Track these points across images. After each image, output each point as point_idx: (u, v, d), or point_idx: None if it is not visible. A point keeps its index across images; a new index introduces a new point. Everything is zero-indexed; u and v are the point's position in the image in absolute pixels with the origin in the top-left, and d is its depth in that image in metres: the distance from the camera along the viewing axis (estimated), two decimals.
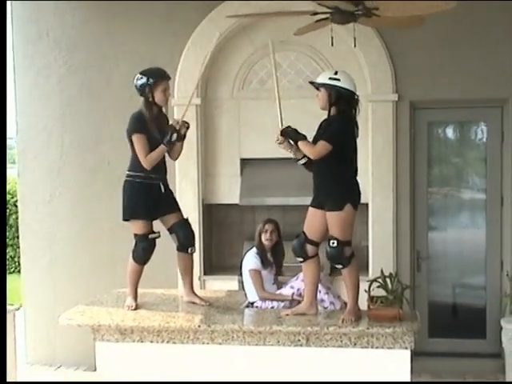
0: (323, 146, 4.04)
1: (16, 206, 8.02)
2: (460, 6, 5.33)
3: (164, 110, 4.55)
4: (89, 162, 6.64)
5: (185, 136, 4.48)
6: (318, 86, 4.19)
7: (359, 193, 4.20)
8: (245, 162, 6.54)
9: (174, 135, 4.36)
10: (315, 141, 4.14)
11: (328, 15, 4.42)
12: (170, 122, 4.45)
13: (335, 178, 4.09)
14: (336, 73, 4.15)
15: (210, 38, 6.24)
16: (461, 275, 6.70)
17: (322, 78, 4.18)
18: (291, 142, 4.20)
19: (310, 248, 4.20)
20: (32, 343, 6.82)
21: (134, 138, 4.40)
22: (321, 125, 4.22)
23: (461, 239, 6.69)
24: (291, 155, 4.27)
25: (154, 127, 4.41)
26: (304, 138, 4.15)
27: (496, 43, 6.10)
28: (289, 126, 4.21)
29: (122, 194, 4.52)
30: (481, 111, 6.50)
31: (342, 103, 4.12)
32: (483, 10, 6.04)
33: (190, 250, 4.60)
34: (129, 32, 6.51)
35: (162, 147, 4.38)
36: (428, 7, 4.20)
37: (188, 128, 4.48)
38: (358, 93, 4.21)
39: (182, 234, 4.55)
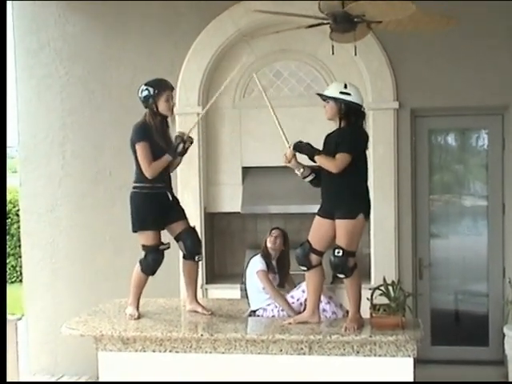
0: (344, 158, 4.02)
1: (18, 216, 8.05)
2: (460, 14, 5.40)
3: (170, 119, 4.57)
4: (90, 171, 6.65)
5: (186, 151, 4.50)
6: (326, 99, 4.19)
7: (370, 204, 4.21)
8: (246, 171, 6.55)
9: (181, 145, 4.39)
10: (330, 145, 4.13)
11: (329, 24, 4.44)
12: (177, 133, 4.47)
13: (349, 188, 4.08)
14: (346, 86, 4.15)
15: (211, 48, 6.33)
16: (463, 282, 6.69)
17: (332, 92, 4.17)
18: (299, 161, 4.20)
19: (314, 257, 4.21)
20: (34, 353, 6.81)
21: (138, 146, 4.41)
22: (326, 138, 4.21)
23: (463, 246, 6.69)
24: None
25: (158, 137, 4.43)
26: (319, 151, 4.13)
27: (496, 50, 6.10)
28: (300, 141, 4.19)
29: (129, 205, 4.52)
30: (482, 118, 6.51)
31: (352, 116, 4.13)
32: (483, 17, 6.06)
33: (197, 258, 4.62)
34: (130, 42, 6.53)
35: (166, 157, 4.40)
36: (429, 27, 4.28)
37: (192, 143, 4.51)
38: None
39: (190, 241, 4.56)
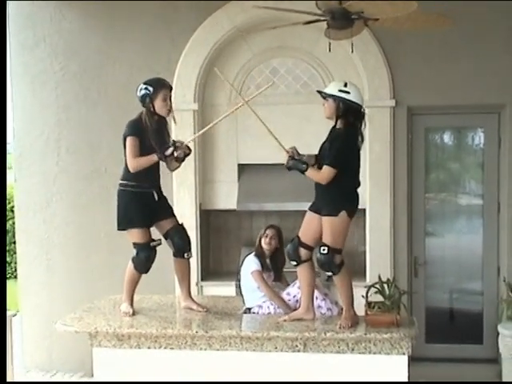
0: (329, 172, 4.06)
1: (12, 212, 8.01)
2: (457, 13, 5.40)
3: (169, 120, 4.53)
4: (85, 168, 6.63)
5: (184, 159, 4.44)
6: (325, 96, 4.19)
7: (357, 203, 4.22)
8: (242, 168, 6.55)
9: (170, 149, 4.32)
10: (324, 151, 4.16)
11: (327, 20, 4.44)
12: (174, 139, 4.40)
13: (337, 186, 4.10)
14: (346, 84, 4.14)
15: (208, 45, 6.32)
16: (458, 281, 6.71)
17: (331, 89, 4.17)
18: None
19: (303, 252, 4.22)
20: (29, 349, 6.80)
21: (127, 140, 4.38)
22: (331, 131, 4.24)
23: (458, 245, 6.70)
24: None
25: (152, 136, 4.38)
26: (305, 167, 4.14)
27: (493, 49, 6.11)
28: (292, 157, 4.17)
29: (116, 203, 4.50)
30: (478, 117, 6.51)
31: (350, 116, 4.13)
32: (480, 16, 6.06)
33: (186, 254, 4.59)
34: (126, 38, 6.51)
35: (152, 156, 4.33)
36: (425, 26, 4.31)
37: (188, 154, 4.43)
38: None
39: (178, 239, 4.55)
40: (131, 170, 4.37)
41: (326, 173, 4.08)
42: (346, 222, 4.14)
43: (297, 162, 4.17)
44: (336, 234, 4.10)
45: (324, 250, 4.09)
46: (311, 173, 4.14)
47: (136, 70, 6.29)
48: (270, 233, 5.03)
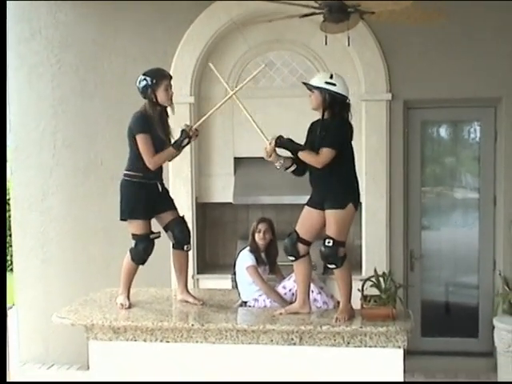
0: (328, 154, 4.02)
1: (8, 205, 8.01)
2: (454, 7, 5.40)
3: (169, 109, 4.52)
4: (81, 161, 6.62)
5: (189, 143, 4.48)
6: (311, 88, 4.18)
7: (359, 193, 4.22)
8: (238, 161, 6.54)
9: (186, 140, 4.35)
10: (310, 144, 4.14)
11: (323, 13, 4.45)
12: (182, 126, 4.40)
13: (337, 178, 4.09)
14: (331, 76, 4.13)
15: (204, 37, 6.31)
16: (454, 274, 6.72)
17: (317, 81, 4.15)
18: (278, 154, 4.16)
19: (301, 247, 4.21)
20: (25, 342, 6.80)
21: (139, 137, 4.35)
22: (311, 127, 4.23)
23: (454, 238, 6.71)
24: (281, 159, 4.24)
25: (158, 127, 4.39)
26: (302, 147, 4.13)
27: (489, 43, 6.11)
28: (281, 136, 4.16)
29: (119, 193, 4.49)
30: (474, 111, 6.51)
31: (336, 107, 4.11)
32: (476, 10, 6.05)
33: (186, 247, 4.60)
34: (122, 30, 6.50)
35: (171, 150, 4.36)
36: (420, 19, 4.32)
37: (197, 136, 4.46)
38: (351, 93, 4.23)
39: (178, 231, 4.55)
40: (152, 168, 4.36)
41: (324, 155, 4.02)
42: (352, 214, 4.13)
43: (290, 141, 4.14)
44: (341, 226, 4.09)
45: (329, 242, 4.07)
46: (306, 154, 4.08)
47: (132, 62, 6.28)
48: (262, 227, 5.01)
